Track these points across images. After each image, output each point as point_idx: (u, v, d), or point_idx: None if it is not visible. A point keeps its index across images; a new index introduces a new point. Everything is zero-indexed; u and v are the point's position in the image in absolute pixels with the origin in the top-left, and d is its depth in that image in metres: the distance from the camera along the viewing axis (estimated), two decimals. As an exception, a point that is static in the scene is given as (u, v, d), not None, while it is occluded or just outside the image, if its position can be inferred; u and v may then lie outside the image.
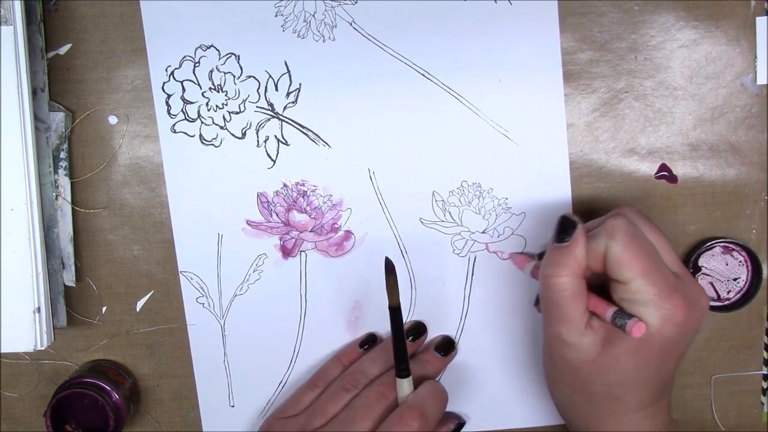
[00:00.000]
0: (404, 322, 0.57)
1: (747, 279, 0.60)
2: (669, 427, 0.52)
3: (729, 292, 0.60)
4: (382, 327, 0.60)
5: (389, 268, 0.52)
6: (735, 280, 0.60)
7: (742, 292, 0.60)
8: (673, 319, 0.48)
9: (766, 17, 0.57)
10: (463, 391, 0.60)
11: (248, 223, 0.58)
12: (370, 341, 0.59)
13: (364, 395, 0.54)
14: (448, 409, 0.55)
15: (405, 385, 0.53)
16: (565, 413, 0.55)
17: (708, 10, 0.57)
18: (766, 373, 0.61)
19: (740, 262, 0.59)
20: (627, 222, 0.49)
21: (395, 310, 0.52)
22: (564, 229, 0.50)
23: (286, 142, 0.58)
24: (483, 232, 0.59)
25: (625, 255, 0.48)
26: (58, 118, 0.57)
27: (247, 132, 0.58)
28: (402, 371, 0.53)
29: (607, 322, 0.50)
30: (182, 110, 0.57)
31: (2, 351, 0.55)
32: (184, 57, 0.57)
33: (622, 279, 0.49)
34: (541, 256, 0.55)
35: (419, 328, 0.59)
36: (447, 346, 0.59)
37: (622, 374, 0.50)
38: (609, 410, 0.51)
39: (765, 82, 0.58)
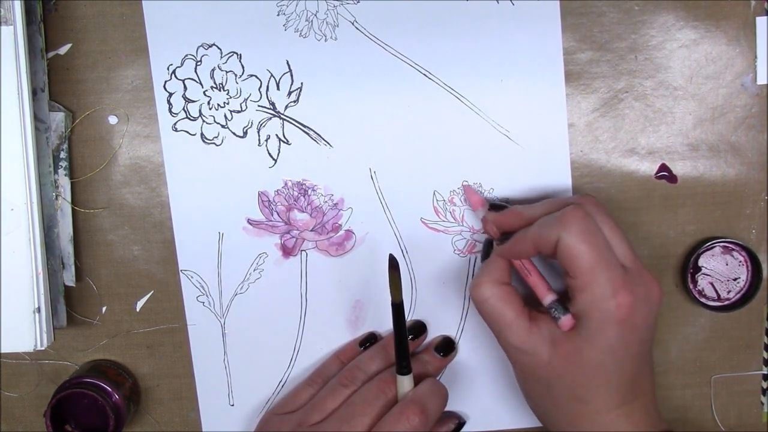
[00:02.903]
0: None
1: (747, 279, 0.60)
2: (653, 427, 0.51)
3: (729, 292, 0.60)
4: (383, 326, 0.60)
5: (393, 264, 0.52)
6: (735, 280, 0.60)
7: (742, 292, 0.60)
8: (614, 319, 0.48)
9: (766, 17, 0.57)
10: (463, 391, 0.60)
11: (249, 222, 0.58)
12: (370, 340, 0.59)
13: (363, 391, 0.54)
14: (448, 408, 0.56)
15: (405, 382, 0.53)
16: (543, 421, 0.54)
17: (708, 10, 0.57)
18: (766, 373, 0.61)
19: (740, 262, 0.59)
20: (583, 214, 0.49)
21: (398, 307, 0.52)
22: (487, 250, 0.57)
23: (287, 141, 0.58)
24: (484, 233, 0.59)
25: (575, 249, 0.48)
26: (58, 118, 0.57)
27: (248, 131, 0.58)
28: (403, 368, 0.53)
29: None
30: (184, 109, 0.57)
31: (2, 351, 0.55)
32: (186, 56, 0.57)
33: (569, 272, 0.49)
34: (493, 206, 0.56)
35: (419, 328, 0.59)
36: (447, 347, 0.59)
37: (578, 374, 0.49)
38: (578, 413, 0.50)
39: (765, 82, 0.58)
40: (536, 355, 0.50)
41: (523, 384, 0.54)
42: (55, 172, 0.57)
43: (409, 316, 0.60)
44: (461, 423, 0.58)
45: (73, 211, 0.58)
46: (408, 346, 0.53)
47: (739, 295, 0.60)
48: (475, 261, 0.59)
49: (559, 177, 0.58)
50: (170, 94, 0.57)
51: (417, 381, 0.54)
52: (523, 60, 0.57)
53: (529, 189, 0.58)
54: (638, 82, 0.58)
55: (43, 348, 0.55)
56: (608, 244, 0.49)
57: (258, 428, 0.58)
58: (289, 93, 0.57)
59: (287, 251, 0.59)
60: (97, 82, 0.57)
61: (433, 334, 0.60)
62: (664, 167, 0.59)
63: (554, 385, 0.50)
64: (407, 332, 0.56)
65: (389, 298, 0.52)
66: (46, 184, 0.57)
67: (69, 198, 0.58)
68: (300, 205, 0.58)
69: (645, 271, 0.51)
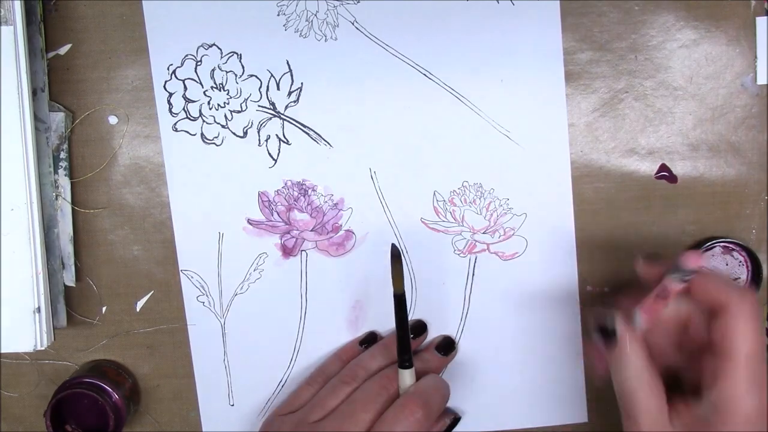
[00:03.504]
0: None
1: (747, 279, 0.60)
2: None
3: (729, 292, 0.60)
4: (383, 326, 0.60)
5: (395, 254, 0.52)
6: (735, 280, 0.60)
7: (742, 292, 0.60)
8: (750, 419, 0.45)
9: (766, 17, 0.57)
10: (463, 391, 0.60)
11: (249, 222, 0.58)
12: (370, 340, 0.59)
13: (365, 388, 0.54)
14: (448, 406, 0.55)
15: (407, 377, 0.53)
16: None
17: (708, 10, 0.57)
18: (766, 372, 0.61)
19: (740, 262, 0.59)
20: (756, 300, 0.47)
21: (400, 298, 0.52)
22: (606, 331, 0.49)
23: (287, 141, 0.58)
24: (484, 233, 0.59)
25: (743, 330, 0.46)
26: (58, 118, 0.57)
27: (248, 131, 0.58)
28: (405, 362, 0.53)
29: (694, 413, 0.48)
30: (184, 109, 0.57)
31: (2, 351, 0.55)
32: (186, 55, 0.57)
33: (720, 351, 0.46)
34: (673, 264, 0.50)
35: (420, 327, 0.59)
36: (447, 346, 0.59)
37: None
38: None
39: (765, 82, 0.58)
40: None
41: None
42: (55, 172, 0.57)
43: (410, 316, 0.60)
44: (457, 418, 0.58)
45: (73, 211, 0.58)
46: (409, 339, 0.53)
47: (739, 295, 0.60)
48: (475, 261, 0.59)
49: (559, 177, 0.58)
50: (170, 94, 0.57)
51: (418, 378, 0.54)
52: (523, 60, 0.57)
53: (529, 189, 0.58)
54: (638, 82, 0.58)
55: (43, 348, 0.55)
56: (765, 340, 0.48)
57: (260, 430, 0.58)
58: (289, 93, 0.57)
59: (287, 251, 0.59)
60: (97, 82, 0.57)
61: (433, 334, 0.60)
62: (664, 167, 0.59)
63: None
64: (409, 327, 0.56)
65: (390, 298, 0.52)
66: (46, 184, 0.56)
67: (69, 198, 0.58)
68: (300, 205, 0.58)
69: None
